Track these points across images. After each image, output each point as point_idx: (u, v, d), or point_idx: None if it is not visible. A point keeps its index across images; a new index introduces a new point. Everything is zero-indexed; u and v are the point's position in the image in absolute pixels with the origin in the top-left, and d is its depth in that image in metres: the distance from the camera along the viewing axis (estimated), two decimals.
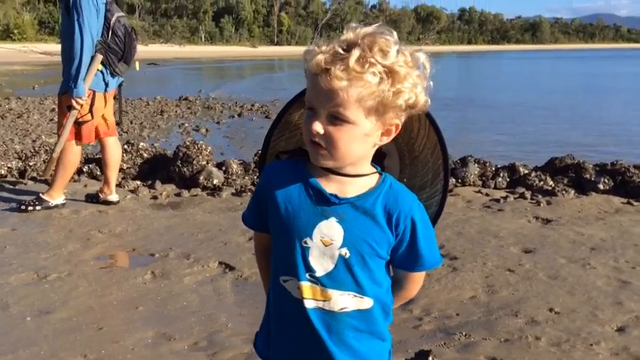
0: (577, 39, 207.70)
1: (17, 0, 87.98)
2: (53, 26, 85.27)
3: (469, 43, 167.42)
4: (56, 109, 6.98)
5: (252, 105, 17.32)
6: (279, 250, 1.46)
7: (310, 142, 1.36)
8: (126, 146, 7.38)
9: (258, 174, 1.89)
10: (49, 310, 3.68)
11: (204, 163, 6.98)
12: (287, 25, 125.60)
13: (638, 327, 3.45)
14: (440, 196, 1.63)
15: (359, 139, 1.35)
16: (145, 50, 76.90)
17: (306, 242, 1.39)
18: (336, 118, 1.32)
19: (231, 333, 3.40)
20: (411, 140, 1.59)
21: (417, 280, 1.55)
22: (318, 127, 1.32)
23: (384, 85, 1.30)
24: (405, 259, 1.45)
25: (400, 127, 1.40)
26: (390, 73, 1.30)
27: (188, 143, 7.21)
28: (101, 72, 5.55)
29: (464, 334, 3.38)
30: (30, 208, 5.66)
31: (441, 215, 1.66)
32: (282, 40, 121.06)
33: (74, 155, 5.76)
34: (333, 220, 1.38)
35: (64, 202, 5.86)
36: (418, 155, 1.62)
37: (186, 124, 13.38)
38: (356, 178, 1.41)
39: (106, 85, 5.67)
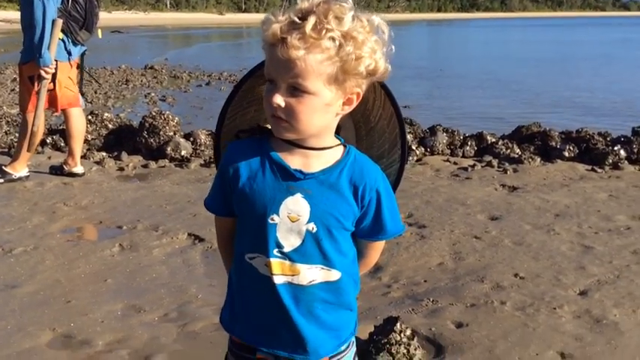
0: (545, 7, 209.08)
1: None
2: None
3: (439, 10, 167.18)
4: (17, 79, 6.77)
5: (221, 74, 17.09)
6: (245, 228, 1.44)
7: (272, 115, 1.34)
8: (90, 117, 7.23)
9: (213, 153, 1.86)
10: (15, 284, 3.63)
11: (172, 133, 6.88)
12: None
13: (600, 290, 3.56)
14: (398, 165, 1.63)
15: (320, 110, 1.33)
16: (108, 17, 74.87)
17: (272, 219, 1.38)
18: (296, 89, 1.30)
19: (202, 304, 3.40)
20: (367, 111, 1.58)
21: (379, 248, 1.57)
22: (278, 99, 1.30)
23: (342, 51, 1.28)
24: (369, 230, 1.46)
25: (362, 95, 1.39)
26: (348, 38, 1.28)
27: (154, 113, 7.10)
28: (63, 41, 5.39)
29: (431, 300, 3.45)
30: None
31: (399, 183, 1.66)
32: (250, 7, 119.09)
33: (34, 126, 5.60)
34: (298, 196, 1.38)
35: (28, 174, 5.74)
36: (374, 126, 1.62)
37: (153, 94, 13.14)
38: (320, 151, 1.40)
39: (69, 54, 5.51)
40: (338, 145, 1.43)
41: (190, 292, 3.55)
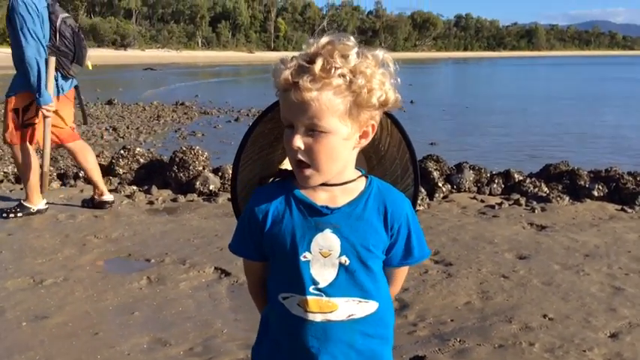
0: (573, 46, 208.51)
1: None
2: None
3: (465, 49, 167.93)
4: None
5: (249, 110, 17.36)
6: (279, 268, 1.47)
7: (295, 162, 1.39)
8: (122, 151, 7.39)
9: (232, 204, 1.89)
10: (45, 315, 3.69)
11: (201, 168, 6.99)
12: (284, 30, 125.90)
13: (631, 333, 3.48)
14: (412, 189, 1.66)
15: (339, 146, 1.37)
16: (141, 55, 76.97)
17: (305, 257, 1.41)
18: (314, 130, 1.34)
19: (227, 338, 3.41)
20: (375, 141, 1.61)
21: (403, 274, 1.60)
22: (298, 142, 1.34)
23: (353, 85, 1.32)
24: (397, 256, 1.49)
25: (376, 127, 1.44)
26: (357, 73, 1.33)
27: (184, 148, 7.23)
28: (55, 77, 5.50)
29: (458, 339, 3.40)
30: (12, 215, 5.64)
31: (415, 207, 1.67)
32: (279, 45, 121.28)
33: (26, 157, 5.66)
34: (327, 232, 1.40)
35: (47, 206, 5.85)
36: (384, 154, 1.65)
37: (183, 129, 13.41)
38: (343, 185, 1.44)
39: (60, 89, 5.62)
40: (360, 177, 1.47)
41: (216, 326, 3.57)
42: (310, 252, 1.41)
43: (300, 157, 1.36)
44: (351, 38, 1.37)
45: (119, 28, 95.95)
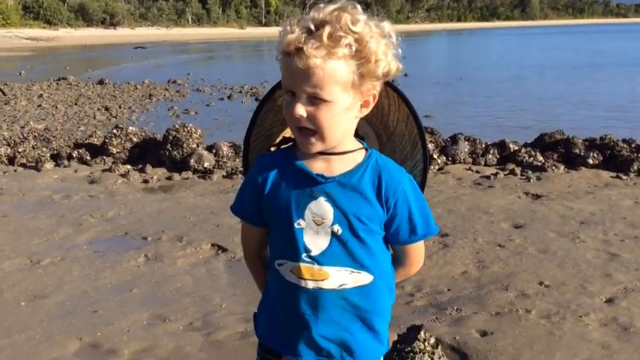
0: (566, 14, 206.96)
1: None
2: (38, 11, 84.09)
3: (459, 20, 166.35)
4: (43, 95, 6.73)
5: (242, 87, 17.23)
6: (275, 235, 1.48)
7: (297, 129, 1.37)
8: (115, 130, 7.35)
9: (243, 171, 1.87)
10: (43, 294, 3.70)
11: (195, 146, 6.97)
12: (275, 5, 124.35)
13: (627, 298, 3.51)
14: (422, 165, 1.64)
15: (341, 115, 1.36)
16: (131, 34, 76.08)
17: (299, 224, 1.41)
18: (316, 98, 1.32)
19: (226, 313, 3.43)
20: (384, 117, 1.60)
21: (415, 253, 1.53)
22: (300, 109, 1.33)
23: (358, 56, 1.31)
24: (399, 232, 1.45)
25: (377, 96, 1.42)
26: (362, 43, 1.31)
27: (178, 126, 7.19)
28: None
29: (455, 308, 3.43)
30: None
31: (426, 183, 1.67)
32: (271, 20, 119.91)
33: None
34: (321, 200, 1.40)
35: None
36: (394, 130, 1.64)
37: (176, 107, 13.31)
38: (342, 155, 1.42)
39: None
40: (360, 148, 1.45)
41: (214, 301, 3.58)
42: (304, 219, 1.41)
43: (304, 124, 1.35)
44: (358, 7, 1.34)
45: (108, 6, 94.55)
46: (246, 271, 1.68)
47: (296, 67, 1.30)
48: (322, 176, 1.41)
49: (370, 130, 1.63)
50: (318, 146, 1.38)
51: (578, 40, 55.11)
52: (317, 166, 1.42)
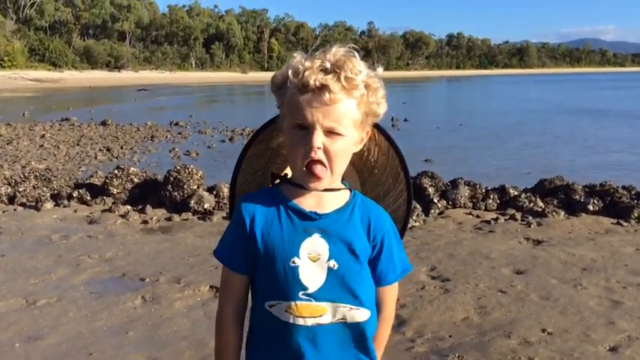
0: (564, 63, 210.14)
1: (7, 28, 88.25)
2: (43, 53, 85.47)
3: (457, 67, 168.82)
4: (45, 136, 6.74)
5: (243, 129, 17.38)
6: (266, 277, 1.44)
7: (307, 164, 1.39)
8: (116, 171, 7.37)
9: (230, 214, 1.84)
10: (38, 336, 3.64)
11: (195, 187, 6.97)
12: (277, 51, 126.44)
13: (631, 346, 3.45)
14: (405, 194, 1.67)
15: (350, 149, 1.45)
16: (135, 77, 77.20)
17: (294, 262, 1.41)
18: (332, 132, 1.38)
19: None
20: (364, 154, 1.63)
21: (393, 294, 1.55)
22: (319, 141, 1.37)
23: (366, 98, 1.41)
24: (383, 271, 1.49)
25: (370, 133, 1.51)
26: (370, 88, 1.41)
27: (179, 168, 7.21)
28: None
29: (457, 355, 3.37)
30: None
31: (410, 214, 1.69)
32: (273, 65, 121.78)
33: None
34: (316, 236, 1.42)
35: None
36: (375, 164, 1.66)
37: (177, 149, 13.39)
38: (331, 192, 1.46)
39: None
40: (344, 188, 1.50)
41: (211, 345, 3.47)
42: (299, 257, 1.41)
43: (318, 156, 1.38)
44: (354, 52, 1.43)
45: (113, 50, 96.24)
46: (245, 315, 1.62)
47: (320, 102, 1.36)
48: (316, 213, 1.44)
49: (351, 168, 1.64)
50: (326, 182, 1.42)
51: (575, 89, 55.84)
52: (308, 204, 1.45)
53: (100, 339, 3.61)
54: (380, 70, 1.47)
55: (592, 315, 3.90)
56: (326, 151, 1.38)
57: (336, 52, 1.40)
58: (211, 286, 4.41)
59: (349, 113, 1.40)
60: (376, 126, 1.58)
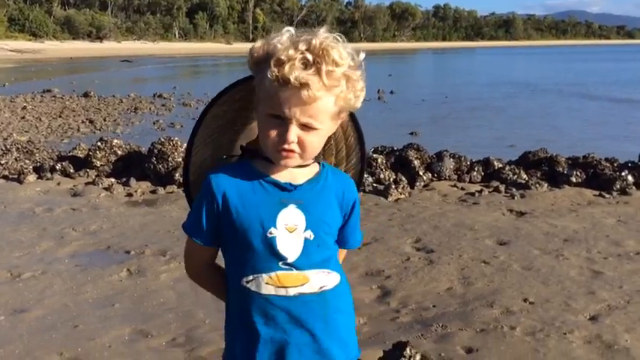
0: (550, 35, 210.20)
1: None
2: (23, 23, 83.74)
3: (444, 39, 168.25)
4: (26, 107, 6.68)
5: None
6: (240, 252, 1.44)
7: (281, 149, 1.39)
8: (99, 143, 7.30)
9: (183, 188, 1.81)
10: (23, 308, 3.63)
11: (180, 159, 6.91)
12: (262, 21, 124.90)
13: (611, 315, 3.53)
14: (359, 167, 1.69)
15: (324, 139, 1.47)
16: (117, 47, 76.02)
17: (271, 232, 1.42)
18: (308, 127, 1.39)
19: (210, 329, 3.39)
20: None
21: (343, 258, 1.65)
22: (293, 136, 1.38)
23: (344, 92, 1.40)
24: (347, 237, 1.57)
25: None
26: (349, 80, 1.40)
27: (163, 140, 7.15)
28: None
29: (440, 325, 3.42)
30: None
31: (360, 186, 1.71)
32: (258, 36, 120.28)
33: None
34: (292, 207, 1.44)
35: None
36: (331, 135, 1.63)
37: (161, 121, 13.28)
38: (304, 167, 1.48)
39: None
40: (313, 162, 1.52)
41: (198, 317, 3.54)
42: (276, 227, 1.42)
43: (292, 147, 1.39)
44: (340, 38, 1.40)
45: (94, 19, 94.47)
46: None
47: (296, 98, 1.34)
48: (291, 184, 1.45)
49: None
50: (296, 162, 1.43)
51: (561, 61, 55.94)
52: (282, 176, 1.46)
53: (86, 311, 3.61)
54: (362, 55, 1.44)
55: (573, 285, 3.98)
56: (300, 143, 1.39)
57: (322, 39, 1.37)
58: None
59: (327, 109, 1.39)
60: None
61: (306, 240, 1.44)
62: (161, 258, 4.46)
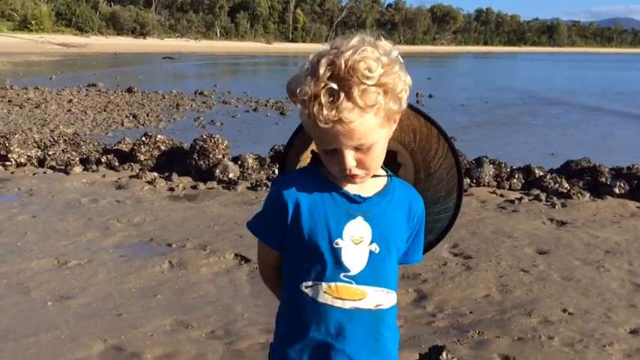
0: (594, 42, 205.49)
1: None
2: (70, 18, 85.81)
3: (485, 44, 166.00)
4: (73, 100, 6.79)
5: (267, 100, 17.39)
6: (305, 258, 1.45)
7: (345, 175, 1.39)
8: (144, 138, 7.47)
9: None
10: (69, 295, 3.76)
11: (220, 156, 7.04)
12: (302, 22, 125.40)
13: None
14: (451, 213, 1.66)
15: (384, 147, 1.41)
16: (160, 44, 77.25)
17: (337, 243, 1.41)
18: (361, 148, 1.35)
19: (247, 323, 3.46)
20: (428, 158, 1.62)
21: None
22: (351, 162, 1.36)
23: (384, 104, 1.32)
24: (410, 253, 1.55)
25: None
26: (383, 89, 1.32)
27: (205, 137, 7.28)
28: None
29: (477, 331, 3.42)
30: None
31: (449, 231, 1.69)
32: (297, 36, 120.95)
33: None
34: (360, 219, 1.43)
35: None
36: (433, 173, 1.65)
37: (202, 118, 13.48)
38: (373, 178, 1.46)
39: None
40: (384, 175, 1.50)
41: (236, 310, 3.61)
42: (342, 239, 1.42)
43: (354, 172, 1.38)
44: (367, 40, 1.33)
45: (139, 16, 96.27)
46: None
47: (336, 132, 1.31)
48: (359, 196, 1.44)
49: (411, 162, 1.63)
50: (364, 180, 1.42)
51: (607, 69, 54.64)
52: (352, 187, 1.44)
53: (129, 300, 3.72)
54: (391, 48, 1.36)
55: (614, 297, 3.92)
56: (360, 164, 1.37)
57: (347, 56, 1.29)
58: (236, 254, 4.50)
59: (372, 125, 1.33)
60: (449, 143, 1.58)
61: (371, 253, 1.43)
62: (201, 252, 4.55)
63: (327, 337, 1.44)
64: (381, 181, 1.48)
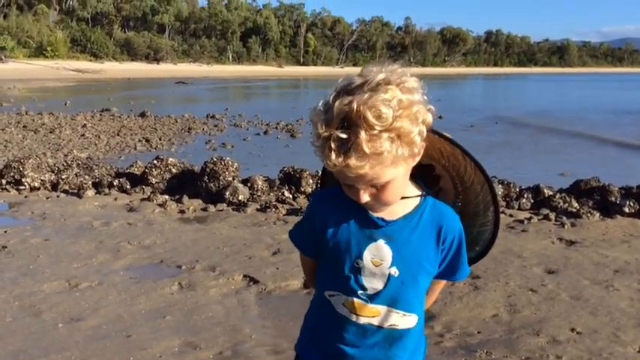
0: (605, 63, 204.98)
1: (51, 18, 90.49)
2: (85, 44, 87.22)
3: (495, 65, 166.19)
4: (86, 125, 6.93)
5: (278, 123, 17.52)
6: (330, 269, 1.53)
7: (363, 204, 1.42)
8: (155, 161, 7.56)
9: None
10: (80, 317, 3.81)
11: (230, 178, 7.11)
12: (313, 45, 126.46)
13: None
14: (492, 226, 1.66)
15: (402, 182, 1.41)
16: (173, 69, 78.22)
17: (358, 263, 1.47)
18: (376, 186, 1.38)
19: (255, 344, 3.48)
20: (461, 173, 1.63)
21: (441, 287, 1.67)
22: (365, 198, 1.39)
23: (394, 151, 1.30)
24: (448, 271, 1.55)
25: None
26: (395, 134, 1.29)
27: (215, 159, 7.36)
28: None
29: (485, 351, 3.41)
30: None
31: (494, 243, 1.69)
32: (309, 60, 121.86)
33: None
34: (381, 242, 1.47)
35: None
36: (469, 187, 1.65)
37: (213, 141, 13.61)
38: (401, 200, 1.47)
39: None
40: (417, 195, 1.51)
41: (244, 332, 3.64)
42: (362, 259, 1.47)
43: (371, 204, 1.42)
44: (394, 74, 1.32)
45: (152, 42, 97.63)
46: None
47: (349, 176, 1.33)
48: (383, 219, 1.47)
49: (446, 174, 1.62)
50: (385, 209, 1.46)
51: (618, 89, 54.48)
52: (377, 210, 1.47)
53: (139, 322, 3.76)
54: (411, 82, 1.33)
55: (623, 316, 3.90)
56: (376, 199, 1.40)
57: (359, 102, 1.26)
58: (245, 276, 4.54)
59: (385, 165, 1.32)
60: (475, 161, 1.56)
61: (390, 276, 1.47)
62: (210, 273, 4.59)
63: (343, 343, 1.52)
64: (412, 203, 1.49)
